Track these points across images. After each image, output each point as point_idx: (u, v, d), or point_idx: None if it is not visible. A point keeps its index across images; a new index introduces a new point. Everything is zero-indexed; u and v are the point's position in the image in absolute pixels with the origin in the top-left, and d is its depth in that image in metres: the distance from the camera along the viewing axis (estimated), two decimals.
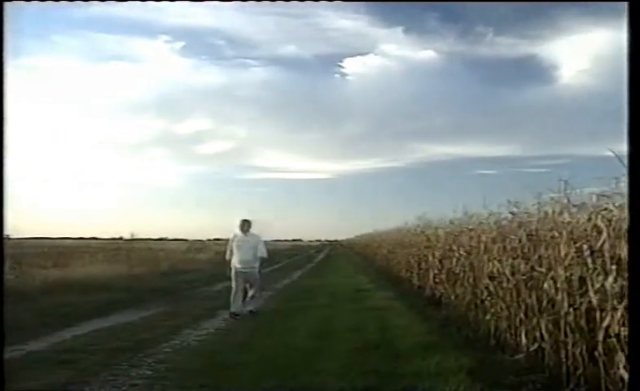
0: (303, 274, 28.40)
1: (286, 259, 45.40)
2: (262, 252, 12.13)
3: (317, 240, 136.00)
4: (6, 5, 3.19)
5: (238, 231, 12.07)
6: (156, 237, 64.02)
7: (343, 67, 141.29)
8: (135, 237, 33.37)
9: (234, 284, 11.93)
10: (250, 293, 12.11)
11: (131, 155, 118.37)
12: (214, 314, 12.16)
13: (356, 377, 6.42)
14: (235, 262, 11.97)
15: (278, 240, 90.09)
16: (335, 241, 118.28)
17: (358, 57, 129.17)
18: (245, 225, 12.09)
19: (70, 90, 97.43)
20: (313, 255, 59.33)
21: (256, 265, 12.04)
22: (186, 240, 59.98)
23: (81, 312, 11.72)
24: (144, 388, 6.30)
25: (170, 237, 71.09)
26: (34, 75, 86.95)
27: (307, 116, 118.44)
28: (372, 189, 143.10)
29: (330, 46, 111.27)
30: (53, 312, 11.43)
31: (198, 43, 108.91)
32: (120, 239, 35.87)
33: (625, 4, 3.14)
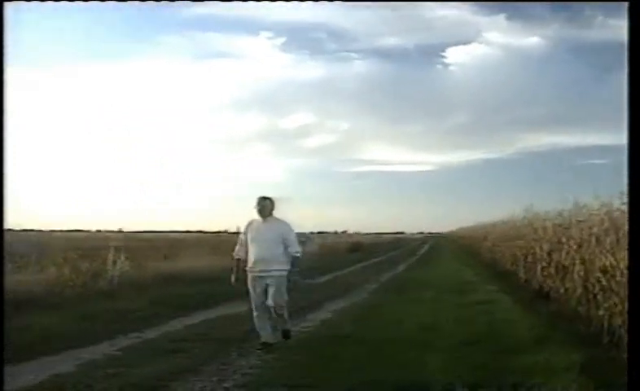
0: (407, 266, 28.30)
1: (390, 251, 45.41)
2: (294, 247, 7.99)
3: (420, 233, 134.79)
4: (6, 5, 3.23)
5: (256, 217, 8.09)
6: None
7: (445, 57, 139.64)
8: (240, 230, 34.10)
9: (253, 300, 8.06)
10: (271, 312, 7.96)
11: (236, 151, 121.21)
12: (319, 305, 12.31)
13: (464, 371, 6.34)
14: (249, 263, 8.00)
15: (380, 233, 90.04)
16: (439, 233, 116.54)
17: (461, 46, 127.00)
18: (265, 205, 8.01)
19: (175, 88, 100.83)
20: (417, 247, 58.95)
21: (283, 267, 7.88)
22: None
23: (191, 302, 12.14)
24: (254, 378, 6.48)
25: None
26: (140, 76, 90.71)
27: (409, 107, 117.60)
28: (476, 180, 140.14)
29: (432, 36, 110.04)
30: (165, 302, 11.91)
31: (299, 38, 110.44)
32: (225, 232, 36.75)
33: (625, 4, 3.12)
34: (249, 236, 8.03)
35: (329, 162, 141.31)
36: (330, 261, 28.24)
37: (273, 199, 8.09)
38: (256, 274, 7.90)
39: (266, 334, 7.97)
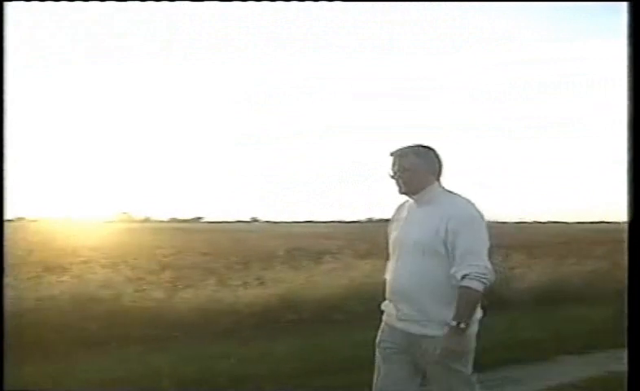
0: None
1: None
2: (467, 262, 2.83)
3: None
4: (6, 5, 3.25)
5: (410, 202, 3.16)
6: None
7: None
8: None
9: (376, 375, 3.17)
10: None
11: None
12: None
13: None
14: (386, 301, 3.19)
15: None
16: None
17: None
18: (405, 166, 3.03)
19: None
20: None
21: (443, 312, 2.88)
22: None
23: None
24: None
25: None
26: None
27: None
28: None
29: None
30: None
31: None
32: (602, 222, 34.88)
33: (625, 4, 2.88)
34: (391, 240, 3.28)
35: None
36: None
37: (435, 151, 3.15)
38: (390, 323, 3.20)
39: None
